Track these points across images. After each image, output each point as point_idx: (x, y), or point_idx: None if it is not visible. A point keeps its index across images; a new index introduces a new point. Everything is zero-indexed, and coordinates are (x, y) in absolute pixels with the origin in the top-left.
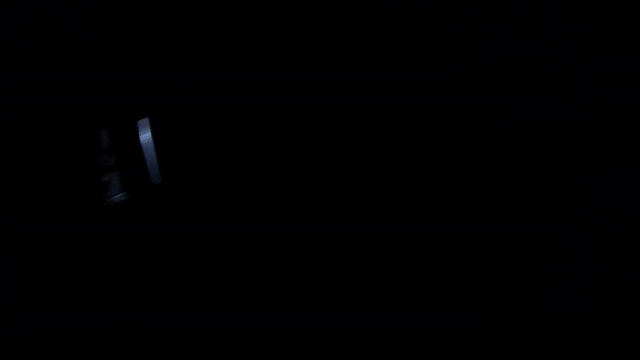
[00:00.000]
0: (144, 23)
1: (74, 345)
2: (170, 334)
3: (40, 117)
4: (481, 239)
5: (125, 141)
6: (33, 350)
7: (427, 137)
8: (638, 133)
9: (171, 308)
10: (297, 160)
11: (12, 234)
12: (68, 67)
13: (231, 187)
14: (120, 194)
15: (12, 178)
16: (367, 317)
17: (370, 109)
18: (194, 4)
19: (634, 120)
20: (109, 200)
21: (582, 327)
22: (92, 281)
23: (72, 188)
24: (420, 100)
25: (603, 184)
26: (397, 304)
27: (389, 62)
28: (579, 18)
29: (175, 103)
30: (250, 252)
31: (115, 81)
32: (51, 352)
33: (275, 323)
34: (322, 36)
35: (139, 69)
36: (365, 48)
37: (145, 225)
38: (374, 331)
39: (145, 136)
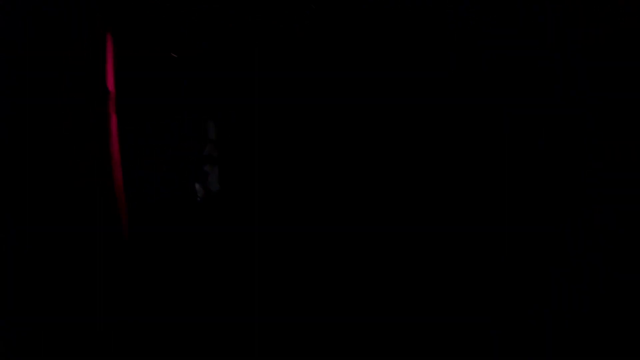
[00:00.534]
0: (144, 23)
1: (73, 345)
2: (170, 333)
3: (43, 117)
4: (481, 239)
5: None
6: (33, 350)
7: (427, 137)
8: (638, 133)
9: (171, 308)
10: (297, 159)
11: (12, 234)
12: (68, 67)
13: (231, 186)
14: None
15: (12, 178)
16: (367, 317)
17: (370, 109)
18: (194, 4)
19: (634, 120)
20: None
21: (582, 327)
22: (92, 281)
23: (73, 188)
24: (420, 100)
25: (603, 184)
26: (397, 303)
27: (388, 62)
28: (579, 18)
29: (175, 102)
30: (250, 252)
31: (118, 81)
32: (51, 352)
33: (275, 323)
34: (322, 36)
35: (139, 68)
36: (365, 48)
37: (144, 225)
38: (374, 331)
39: None
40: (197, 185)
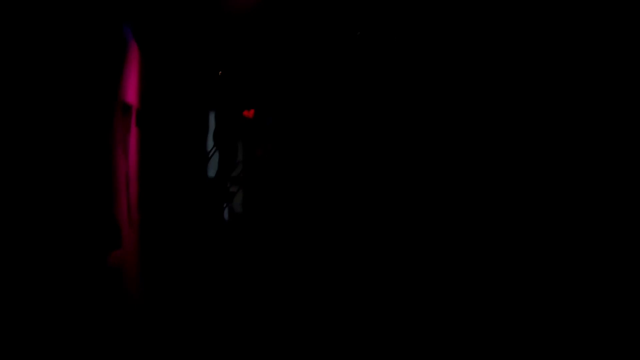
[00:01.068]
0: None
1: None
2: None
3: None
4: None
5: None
6: None
7: (428, 137)
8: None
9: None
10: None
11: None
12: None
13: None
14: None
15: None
16: (368, 318)
17: (372, 109)
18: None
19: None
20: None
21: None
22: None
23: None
24: (421, 100)
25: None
26: (396, 304)
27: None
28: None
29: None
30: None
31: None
32: None
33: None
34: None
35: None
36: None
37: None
38: (375, 332)
39: None
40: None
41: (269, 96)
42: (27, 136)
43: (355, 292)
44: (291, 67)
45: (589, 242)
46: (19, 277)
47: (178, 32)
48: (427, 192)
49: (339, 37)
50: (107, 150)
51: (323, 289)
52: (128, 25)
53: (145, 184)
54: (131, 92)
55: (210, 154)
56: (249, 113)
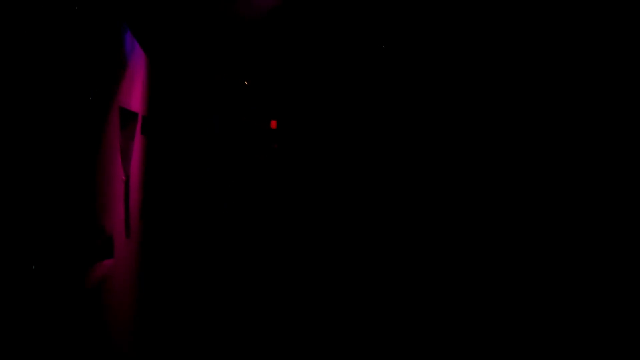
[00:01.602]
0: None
1: None
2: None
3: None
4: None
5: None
6: None
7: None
8: None
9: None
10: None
11: None
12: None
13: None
14: None
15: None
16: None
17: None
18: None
19: None
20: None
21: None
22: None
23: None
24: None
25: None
26: (397, 304)
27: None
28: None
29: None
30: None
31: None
32: None
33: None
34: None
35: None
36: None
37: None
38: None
39: None
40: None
41: (283, 103)
42: (10, 139)
43: (360, 291)
44: (306, 74)
45: (587, 241)
46: None
47: (188, 38)
48: (435, 193)
49: (355, 45)
50: (97, 157)
51: (327, 288)
52: (130, 29)
53: (149, 192)
54: (135, 99)
55: (217, 161)
56: (272, 124)
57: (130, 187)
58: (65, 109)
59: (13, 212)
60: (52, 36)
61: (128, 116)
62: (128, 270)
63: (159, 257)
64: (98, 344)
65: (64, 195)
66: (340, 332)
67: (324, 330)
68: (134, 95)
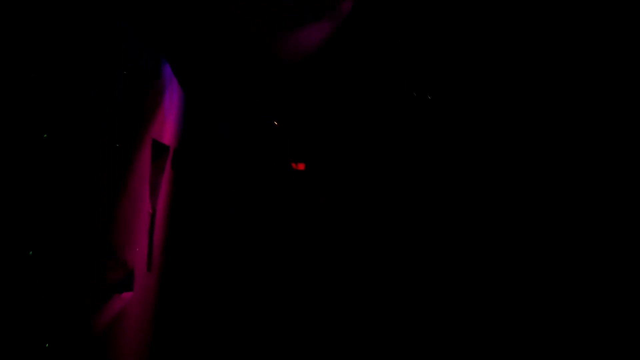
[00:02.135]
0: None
1: None
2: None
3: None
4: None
5: None
6: None
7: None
8: None
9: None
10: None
11: None
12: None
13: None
14: None
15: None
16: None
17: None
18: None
19: None
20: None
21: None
22: None
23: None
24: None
25: None
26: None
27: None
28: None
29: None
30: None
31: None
32: None
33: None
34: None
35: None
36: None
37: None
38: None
39: None
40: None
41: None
42: (34, 165)
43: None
44: (339, 118)
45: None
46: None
47: (224, 75)
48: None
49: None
50: (126, 188)
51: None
52: (169, 63)
53: (174, 226)
54: (168, 132)
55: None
56: (299, 166)
57: (155, 220)
58: (99, 137)
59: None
60: (93, 63)
61: (160, 149)
62: (146, 302)
63: (179, 290)
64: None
65: (89, 228)
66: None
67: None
68: (167, 128)
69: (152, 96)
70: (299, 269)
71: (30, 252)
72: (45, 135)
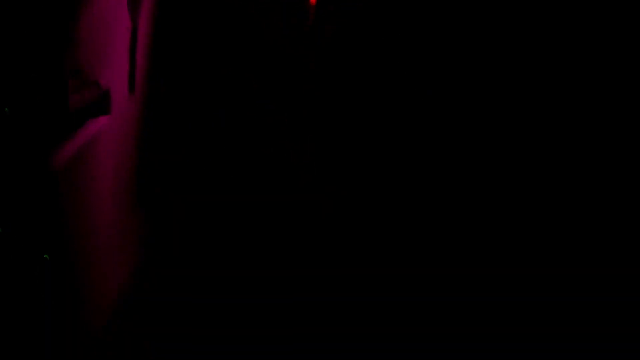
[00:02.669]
0: None
1: None
2: None
3: None
4: None
5: None
6: None
7: None
8: None
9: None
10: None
11: None
12: None
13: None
14: None
15: None
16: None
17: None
18: None
19: None
20: None
21: None
22: None
23: None
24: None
25: None
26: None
27: None
28: None
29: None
30: None
31: None
32: None
33: None
34: None
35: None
36: None
37: None
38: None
39: None
40: None
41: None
42: None
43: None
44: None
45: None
46: None
47: (222, 61)
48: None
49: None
50: None
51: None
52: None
53: (162, 47)
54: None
55: None
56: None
57: (138, 37)
58: None
59: None
60: None
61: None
62: (129, 128)
63: (166, 115)
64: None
65: (42, 39)
66: None
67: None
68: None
69: None
70: None
71: None
72: None
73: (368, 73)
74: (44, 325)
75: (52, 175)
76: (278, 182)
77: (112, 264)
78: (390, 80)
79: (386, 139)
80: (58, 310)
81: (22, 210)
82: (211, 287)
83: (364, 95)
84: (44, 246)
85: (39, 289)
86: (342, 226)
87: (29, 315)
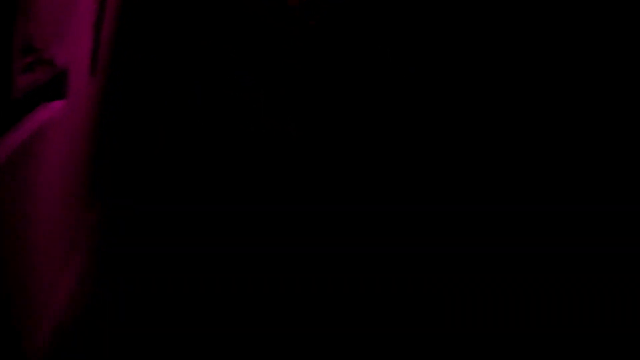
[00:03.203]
0: None
1: None
2: None
3: None
4: None
5: None
6: None
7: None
8: None
9: None
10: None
11: None
12: None
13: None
14: None
15: None
16: None
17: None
18: None
19: None
20: None
21: None
22: None
23: None
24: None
25: None
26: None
27: None
28: None
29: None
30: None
31: None
32: None
33: None
34: None
35: None
36: None
37: None
38: None
39: None
40: None
41: None
42: None
43: None
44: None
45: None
46: None
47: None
48: None
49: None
50: None
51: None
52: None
53: (130, 21)
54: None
55: None
56: None
57: (105, 11)
58: None
59: None
60: None
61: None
62: (87, 114)
63: (132, 100)
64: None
65: None
66: None
67: None
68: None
69: None
70: None
71: None
72: None
73: (354, 49)
74: None
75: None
76: (259, 169)
77: (57, 270)
78: (375, 58)
79: (371, 118)
80: None
81: None
82: (171, 297)
83: (349, 73)
84: None
85: None
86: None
87: None
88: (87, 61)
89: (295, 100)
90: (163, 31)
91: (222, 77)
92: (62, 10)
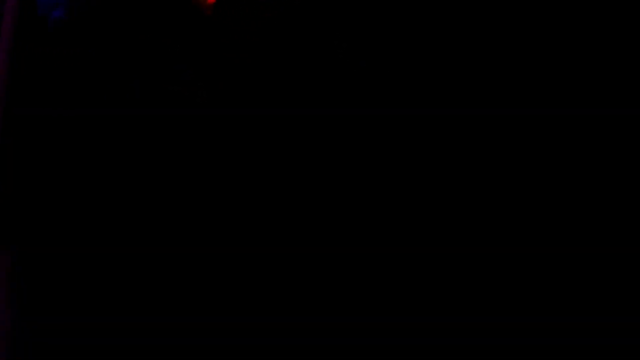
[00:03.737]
0: None
1: None
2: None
3: None
4: None
5: None
6: None
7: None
8: None
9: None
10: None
11: None
12: None
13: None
14: None
15: None
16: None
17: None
18: None
19: None
20: None
21: None
22: None
23: None
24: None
25: None
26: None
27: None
28: None
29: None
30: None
31: None
32: None
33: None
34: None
35: None
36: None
37: None
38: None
39: None
40: None
41: None
42: None
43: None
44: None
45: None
46: None
47: (139, 26)
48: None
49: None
50: None
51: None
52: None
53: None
54: None
55: None
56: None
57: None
58: None
59: None
60: None
61: None
62: None
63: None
64: None
65: None
66: None
67: None
68: None
69: None
70: None
71: None
72: None
73: (301, 41)
74: None
75: None
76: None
77: None
78: (325, 51)
79: (319, 113)
80: None
81: None
82: None
83: (296, 66)
84: None
85: None
86: None
87: None
88: None
89: (235, 95)
90: (100, 25)
91: (161, 71)
92: None
